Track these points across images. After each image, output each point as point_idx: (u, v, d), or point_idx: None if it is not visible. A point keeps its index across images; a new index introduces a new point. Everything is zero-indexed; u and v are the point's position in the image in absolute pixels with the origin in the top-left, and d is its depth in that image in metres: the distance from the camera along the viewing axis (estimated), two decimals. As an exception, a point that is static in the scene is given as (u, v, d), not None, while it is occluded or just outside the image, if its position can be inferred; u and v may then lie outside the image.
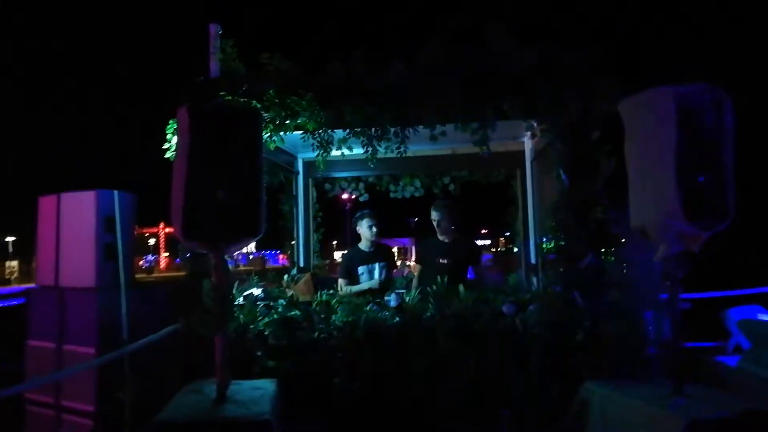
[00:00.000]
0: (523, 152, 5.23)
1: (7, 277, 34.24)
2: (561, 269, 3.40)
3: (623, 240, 3.32)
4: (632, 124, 2.83)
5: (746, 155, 2.68)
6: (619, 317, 3.23)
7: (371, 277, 4.88)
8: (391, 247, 5.50)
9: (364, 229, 4.96)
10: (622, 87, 2.98)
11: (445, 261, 4.71)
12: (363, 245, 5.01)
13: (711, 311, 4.24)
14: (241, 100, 3.49)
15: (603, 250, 3.31)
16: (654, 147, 2.64)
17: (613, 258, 3.32)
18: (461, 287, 3.62)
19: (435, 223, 4.90)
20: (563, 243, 3.39)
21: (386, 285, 4.78)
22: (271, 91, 3.52)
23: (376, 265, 4.91)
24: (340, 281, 4.92)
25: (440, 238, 4.90)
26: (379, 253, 5.01)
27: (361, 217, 4.98)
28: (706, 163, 2.55)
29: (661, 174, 2.57)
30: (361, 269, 4.91)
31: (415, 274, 5.03)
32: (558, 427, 3.10)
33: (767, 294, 4.62)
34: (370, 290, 4.55)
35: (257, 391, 2.89)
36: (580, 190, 3.30)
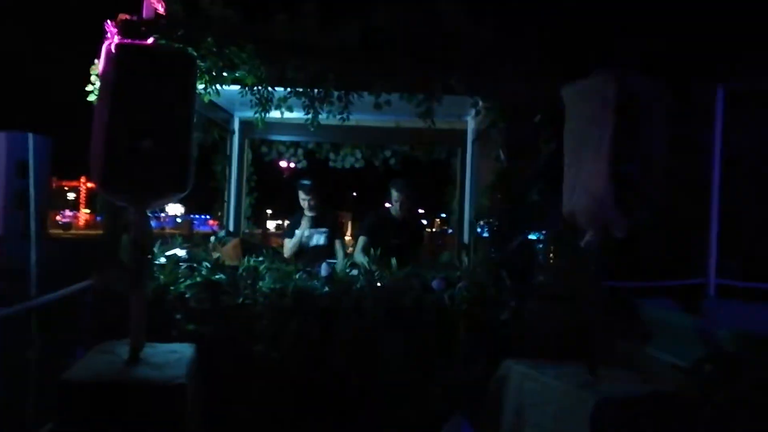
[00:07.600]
0: (465, 131, 5.24)
1: None
2: (491, 249, 3.45)
3: (556, 224, 3.40)
4: (572, 110, 2.86)
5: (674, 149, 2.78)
6: (542, 299, 3.33)
7: (309, 241, 4.90)
8: (338, 215, 5.44)
9: (300, 200, 4.95)
10: (568, 72, 3.01)
11: (398, 241, 4.63)
12: (306, 210, 4.98)
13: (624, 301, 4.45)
14: (176, 45, 3.26)
15: (535, 232, 3.38)
16: (591, 134, 2.67)
17: (544, 241, 3.40)
18: (393, 261, 3.60)
19: (395, 202, 4.78)
20: (497, 223, 3.43)
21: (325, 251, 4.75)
22: (209, 39, 3.31)
23: (314, 231, 4.91)
24: (285, 241, 5.07)
25: (395, 215, 4.82)
26: (322, 219, 4.98)
27: (298, 188, 4.95)
28: (639, 152, 2.62)
29: (596, 161, 2.62)
30: (298, 233, 4.93)
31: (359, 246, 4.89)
32: (480, 402, 3.18)
33: (675, 288, 4.92)
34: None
35: (173, 354, 2.78)
36: (517, 172, 3.34)
